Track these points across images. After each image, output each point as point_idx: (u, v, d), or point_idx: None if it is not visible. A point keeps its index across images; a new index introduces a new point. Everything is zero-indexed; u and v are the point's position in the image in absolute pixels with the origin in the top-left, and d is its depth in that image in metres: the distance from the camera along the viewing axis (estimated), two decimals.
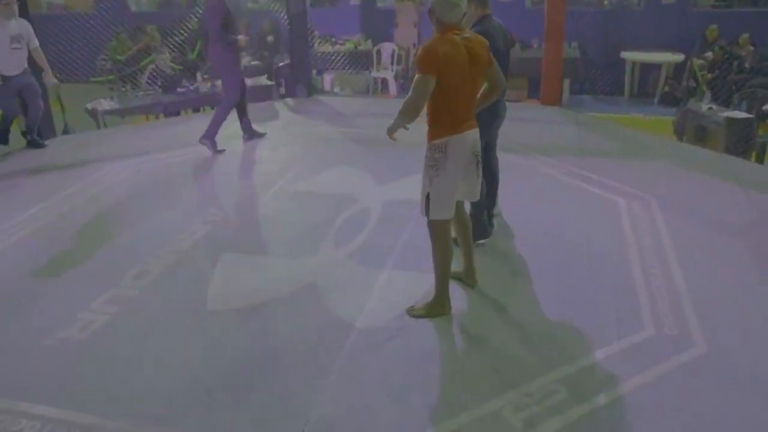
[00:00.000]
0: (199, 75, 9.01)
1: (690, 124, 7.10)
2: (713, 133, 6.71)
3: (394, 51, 10.01)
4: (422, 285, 3.70)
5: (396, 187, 5.24)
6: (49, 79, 6.47)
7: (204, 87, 8.44)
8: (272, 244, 4.35)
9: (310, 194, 5.17)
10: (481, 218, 4.16)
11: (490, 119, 3.90)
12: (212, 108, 8.45)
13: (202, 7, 9.25)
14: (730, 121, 6.56)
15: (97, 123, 7.64)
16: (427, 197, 3.24)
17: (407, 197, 4.99)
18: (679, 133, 7.31)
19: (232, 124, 7.29)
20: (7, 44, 6.02)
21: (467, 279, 3.72)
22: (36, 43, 6.29)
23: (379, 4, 11.45)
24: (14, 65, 6.13)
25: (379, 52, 10.56)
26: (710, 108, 7.06)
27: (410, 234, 4.38)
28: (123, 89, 9.39)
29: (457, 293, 3.64)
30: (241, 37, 6.10)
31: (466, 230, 3.62)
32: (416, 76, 3.08)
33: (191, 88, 8.36)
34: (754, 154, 6.61)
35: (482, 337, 3.28)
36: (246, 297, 3.67)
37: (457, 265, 3.63)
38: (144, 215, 4.84)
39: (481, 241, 4.14)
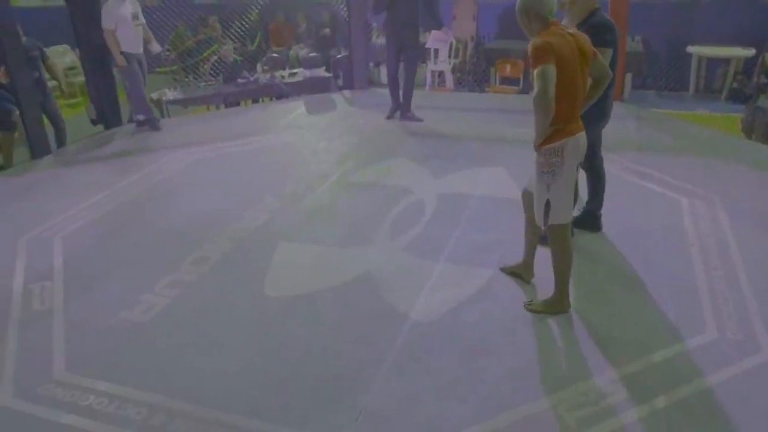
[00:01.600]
0: (258, 66, 9.17)
1: (759, 122, 6.81)
2: None
3: (451, 44, 9.92)
4: (475, 279, 3.69)
5: (451, 180, 5.22)
6: (155, 46, 6.87)
7: (263, 78, 8.57)
8: (328, 234, 4.40)
9: (367, 185, 5.20)
10: (597, 214, 4.22)
11: (597, 118, 3.80)
12: (270, 99, 8.61)
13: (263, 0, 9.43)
14: None
15: (161, 112, 7.87)
16: (547, 204, 3.18)
17: (462, 191, 4.99)
18: (748, 131, 7.02)
19: (290, 114, 7.41)
20: (131, 22, 6.39)
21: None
22: (143, 19, 6.69)
23: None
24: (138, 42, 6.53)
25: None
26: None
27: (464, 228, 4.37)
28: (186, 79, 9.63)
29: (512, 289, 3.61)
30: None
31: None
32: (535, 71, 2.93)
33: (251, 79, 8.51)
34: None
35: (537, 335, 3.24)
36: (301, 285, 3.74)
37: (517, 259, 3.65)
38: (204, 203, 4.97)
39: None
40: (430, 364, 3.01)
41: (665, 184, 5.03)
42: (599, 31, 3.58)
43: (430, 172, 5.39)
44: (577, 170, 3.25)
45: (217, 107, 8.46)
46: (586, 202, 4.25)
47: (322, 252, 4.16)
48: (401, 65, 6.88)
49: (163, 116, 7.84)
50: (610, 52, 3.59)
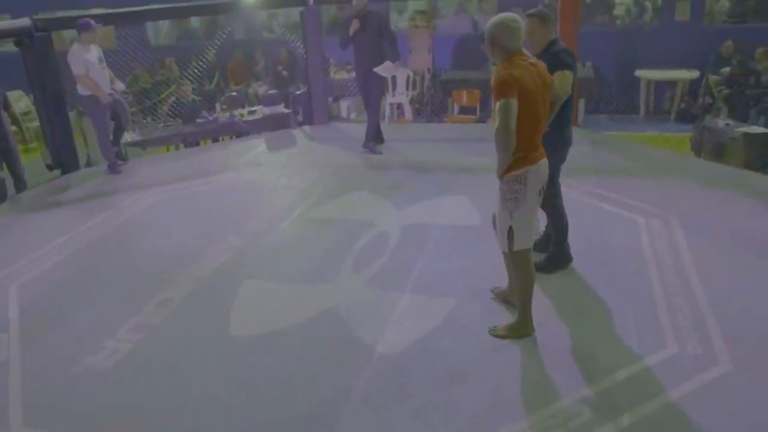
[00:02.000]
0: (217, 105, 9.17)
1: (707, 141, 7.06)
2: (731, 148, 6.66)
3: (409, 76, 10.09)
4: (441, 308, 3.72)
5: (414, 211, 5.27)
6: (119, 84, 6.88)
7: (223, 117, 8.58)
8: (292, 271, 4.39)
9: (329, 220, 5.22)
10: (564, 246, 4.16)
11: (560, 146, 3.89)
12: (230, 137, 8.60)
13: (219, 39, 9.47)
14: (748, 136, 6.51)
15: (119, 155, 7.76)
16: (509, 230, 3.24)
17: (425, 221, 5.04)
18: (697, 149, 7.27)
19: (250, 151, 7.41)
20: (98, 66, 6.45)
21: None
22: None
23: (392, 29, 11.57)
24: (107, 85, 6.57)
25: (394, 78, 10.65)
26: (727, 124, 7.02)
27: (427, 258, 4.40)
28: (144, 121, 9.57)
29: (478, 316, 3.64)
30: None
31: None
32: (498, 103, 3.02)
33: (210, 118, 8.50)
34: None
35: (505, 360, 3.27)
36: (267, 323, 3.72)
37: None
38: (166, 244, 4.92)
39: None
40: (400, 395, 3.01)
41: (622, 205, 5.16)
42: (559, 56, 3.68)
43: (392, 203, 5.44)
44: (540, 195, 3.31)
45: (177, 147, 8.42)
46: (552, 237, 4.19)
47: (287, 289, 4.14)
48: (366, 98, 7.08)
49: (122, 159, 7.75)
50: (571, 74, 3.67)
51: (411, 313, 3.74)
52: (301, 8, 8.25)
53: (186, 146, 8.44)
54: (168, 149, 8.42)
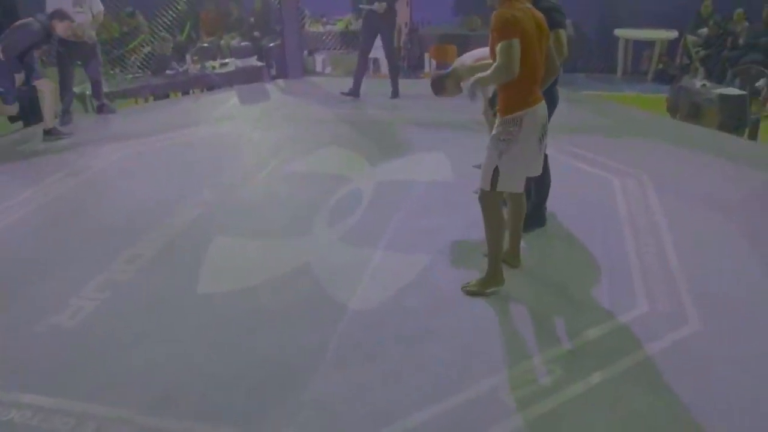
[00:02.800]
0: (188, 57, 8.90)
1: (684, 101, 7.06)
2: (706, 110, 6.67)
3: None
4: (414, 267, 3.70)
5: (389, 168, 5.21)
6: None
7: (194, 69, 8.34)
8: (265, 226, 4.32)
9: (303, 175, 5.13)
10: (542, 206, 4.14)
11: (549, 105, 3.83)
12: (201, 90, 8.38)
13: None
14: (723, 97, 6.52)
15: (84, 107, 7.54)
16: (495, 170, 3.19)
17: (400, 178, 4.99)
18: (673, 110, 7.28)
19: (222, 105, 7.24)
20: (70, 8, 6.06)
21: (512, 260, 3.67)
22: (101, 6, 6.41)
23: None
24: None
25: None
26: (704, 85, 7.02)
27: (402, 215, 4.36)
28: (111, 72, 9.27)
29: (452, 273, 3.62)
30: None
31: (520, 213, 3.58)
32: (500, 44, 2.96)
33: (180, 70, 8.26)
34: (747, 130, 6.57)
35: (476, 317, 3.26)
36: (239, 280, 3.65)
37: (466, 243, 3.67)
38: (136, 199, 4.80)
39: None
40: (372, 352, 2.99)
41: (598, 164, 5.16)
42: (550, 14, 3.53)
43: (367, 160, 5.36)
44: (539, 142, 3.25)
45: (146, 100, 8.19)
46: (533, 195, 4.14)
47: (259, 245, 4.08)
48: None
49: (87, 111, 7.52)
50: (565, 34, 3.61)
51: (384, 270, 3.71)
52: None
53: (155, 99, 8.21)
54: (137, 102, 8.19)
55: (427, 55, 9.99)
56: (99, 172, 5.42)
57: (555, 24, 3.53)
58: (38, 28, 5.76)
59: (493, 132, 3.21)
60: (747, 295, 3.43)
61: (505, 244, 3.55)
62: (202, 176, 5.17)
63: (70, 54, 6.46)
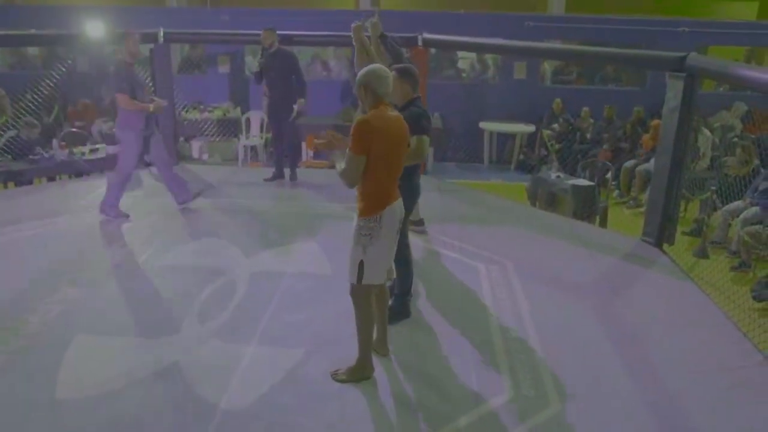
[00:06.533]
0: (55, 142, 8.54)
1: (542, 191, 7.67)
2: (561, 199, 7.29)
3: (263, 119, 10.06)
4: (287, 361, 3.68)
5: (264, 258, 5.19)
6: None
7: (61, 154, 7.99)
8: (131, 324, 4.13)
9: (174, 268, 4.99)
10: (407, 297, 4.25)
11: (411, 197, 4.03)
12: (69, 177, 8.02)
13: (58, 70, 8.89)
14: (575, 188, 7.17)
15: None
16: (360, 264, 3.31)
17: (275, 269, 4.98)
18: (533, 198, 7.86)
19: (90, 193, 6.96)
20: None
21: (380, 349, 3.73)
22: None
23: (248, 73, 11.55)
24: None
25: (248, 120, 10.58)
26: (558, 176, 7.68)
27: (276, 307, 4.35)
28: None
29: (324, 366, 3.62)
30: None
31: (384, 302, 3.69)
32: (349, 152, 3.18)
33: (45, 155, 7.89)
34: (597, 218, 7.22)
35: (347, 411, 3.27)
36: (100, 384, 3.44)
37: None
38: None
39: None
40: None
41: (464, 252, 5.43)
42: (419, 121, 3.84)
43: (242, 250, 5.32)
44: (397, 234, 3.44)
45: (5, 186, 7.71)
46: (395, 288, 4.28)
47: (124, 344, 3.88)
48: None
49: None
50: (428, 140, 3.90)
51: (256, 366, 3.65)
52: (151, 45, 7.98)
53: (17, 185, 7.74)
54: None
55: (304, 144, 10.21)
56: None
57: (420, 130, 3.82)
58: None
59: (355, 228, 3.36)
60: (599, 369, 3.74)
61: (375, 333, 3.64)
62: (64, 271, 4.89)
63: None
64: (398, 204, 3.41)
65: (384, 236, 3.32)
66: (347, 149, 3.21)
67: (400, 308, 4.21)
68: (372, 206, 3.29)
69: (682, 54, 5.23)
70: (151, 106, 5.79)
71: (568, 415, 3.31)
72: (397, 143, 3.30)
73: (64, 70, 8.65)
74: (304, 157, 10.10)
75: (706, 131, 8.87)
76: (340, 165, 3.31)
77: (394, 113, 3.36)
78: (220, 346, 3.87)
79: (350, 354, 3.66)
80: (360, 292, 3.40)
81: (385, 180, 3.30)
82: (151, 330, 4.05)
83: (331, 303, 4.31)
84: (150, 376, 3.53)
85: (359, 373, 3.49)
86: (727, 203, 7.13)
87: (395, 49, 5.42)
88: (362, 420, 3.21)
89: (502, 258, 5.31)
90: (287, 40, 7.35)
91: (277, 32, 7.00)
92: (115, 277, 4.84)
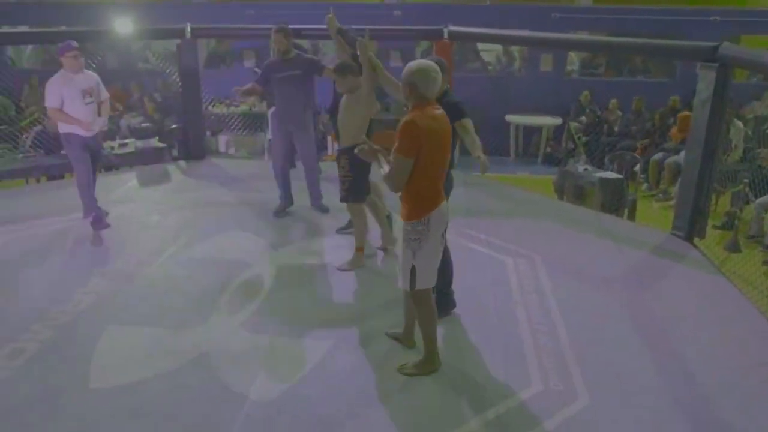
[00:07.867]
0: None
1: (569, 184, 7.58)
2: (589, 192, 7.20)
3: None
4: (315, 352, 3.69)
5: (290, 252, 5.22)
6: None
7: None
8: (161, 315, 4.19)
9: (202, 261, 5.04)
10: (449, 290, 4.21)
11: (446, 190, 3.99)
12: (100, 171, 8.13)
13: (89, 68, 9.02)
14: (603, 181, 7.08)
15: None
16: (413, 270, 3.28)
17: (302, 262, 5.00)
18: (560, 192, 7.78)
19: (120, 187, 7.07)
20: (80, 99, 5.42)
21: (406, 341, 3.75)
22: (106, 94, 5.82)
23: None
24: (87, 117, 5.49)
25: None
26: (586, 169, 7.59)
27: (303, 300, 4.37)
28: None
29: (353, 359, 3.64)
30: None
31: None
32: (396, 155, 3.10)
33: None
34: (626, 211, 7.12)
35: (376, 405, 3.28)
36: (131, 374, 3.50)
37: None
38: (21, 287, 4.53)
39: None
40: None
41: (492, 246, 5.40)
42: (458, 106, 3.81)
43: (269, 244, 5.36)
44: (443, 237, 3.40)
45: (38, 180, 7.86)
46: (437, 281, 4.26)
47: (155, 335, 3.94)
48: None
49: None
50: (469, 120, 3.84)
51: (284, 357, 3.68)
52: (178, 40, 8.05)
53: (48, 179, 7.89)
54: (27, 182, 7.84)
55: (330, 138, 10.22)
56: None
57: (461, 114, 3.78)
58: None
59: (403, 233, 3.32)
60: (628, 364, 3.70)
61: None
62: (95, 263, 4.97)
63: None
64: (445, 206, 3.37)
65: (432, 238, 3.28)
66: (393, 152, 3.13)
67: (445, 301, 4.16)
68: (420, 209, 3.24)
69: (715, 44, 5.13)
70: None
71: (596, 409, 3.28)
72: (444, 142, 3.24)
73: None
74: (329, 150, 10.11)
75: (738, 123, 8.69)
76: (383, 169, 3.24)
77: (439, 111, 3.24)
78: (248, 336, 3.90)
79: (376, 348, 3.69)
80: (420, 294, 3.39)
81: (434, 181, 3.24)
82: (179, 321, 4.10)
83: (358, 297, 4.33)
84: (178, 369, 3.57)
85: (427, 367, 3.51)
86: (760, 196, 6.99)
87: (354, 40, 5.01)
88: (388, 413, 3.22)
89: (530, 252, 5.27)
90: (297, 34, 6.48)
91: (290, 26, 5.93)
92: (144, 270, 4.90)
